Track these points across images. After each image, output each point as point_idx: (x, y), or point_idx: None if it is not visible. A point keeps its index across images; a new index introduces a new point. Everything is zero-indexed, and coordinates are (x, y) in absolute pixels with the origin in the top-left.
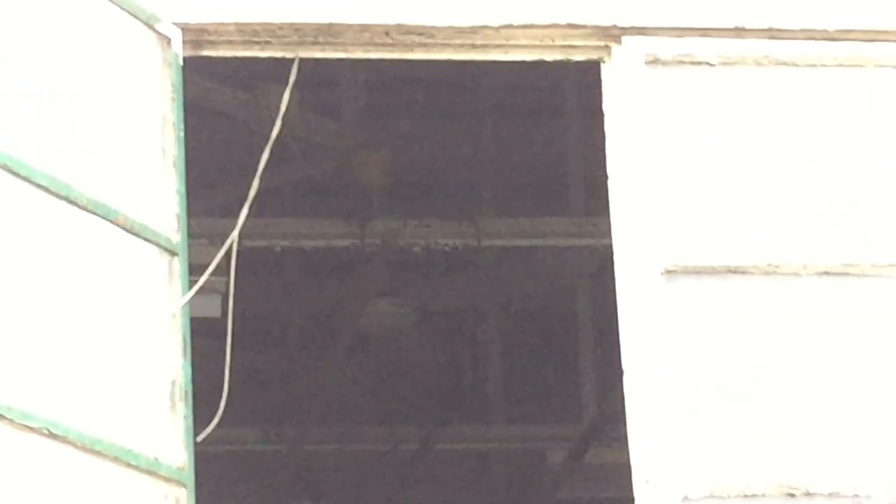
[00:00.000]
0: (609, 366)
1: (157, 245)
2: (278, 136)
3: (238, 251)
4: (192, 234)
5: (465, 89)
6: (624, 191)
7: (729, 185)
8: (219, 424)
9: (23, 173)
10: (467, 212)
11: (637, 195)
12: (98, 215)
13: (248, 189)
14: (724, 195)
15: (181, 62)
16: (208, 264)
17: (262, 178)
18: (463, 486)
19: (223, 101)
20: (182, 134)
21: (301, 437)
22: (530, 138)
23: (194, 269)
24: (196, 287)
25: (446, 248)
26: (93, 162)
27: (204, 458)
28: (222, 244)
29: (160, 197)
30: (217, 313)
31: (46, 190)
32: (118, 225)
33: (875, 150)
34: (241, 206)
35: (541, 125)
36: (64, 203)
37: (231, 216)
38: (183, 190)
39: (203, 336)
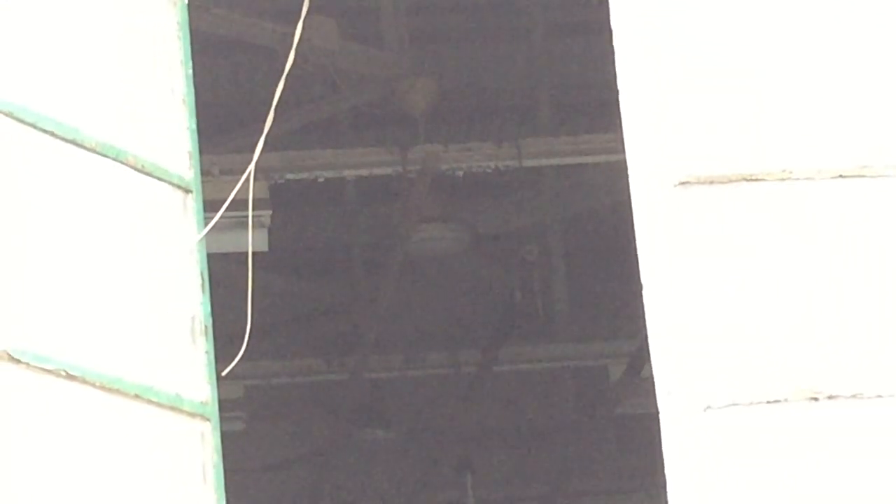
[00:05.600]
0: None
1: (170, 183)
2: (323, 69)
3: (282, 184)
4: (235, 171)
5: (504, 10)
6: (634, 103)
7: (740, 93)
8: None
9: (28, 120)
10: (509, 133)
11: (647, 107)
12: (107, 157)
13: (294, 121)
14: (737, 103)
15: (186, 0)
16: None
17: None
18: (525, 406)
19: (265, 35)
20: (190, 72)
21: (363, 365)
22: (572, 57)
23: (238, 205)
24: (213, 222)
25: (488, 171)
26: (100, 105)
27: (268, 391)
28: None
29: (171, 136)
30: (265, 247)
31: (52, 135)
32: (129, 165)
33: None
34: (286, 139)
35: (584, 43)
36: (71, 147)
37: (276, 150)
38: (194, 127)
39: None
